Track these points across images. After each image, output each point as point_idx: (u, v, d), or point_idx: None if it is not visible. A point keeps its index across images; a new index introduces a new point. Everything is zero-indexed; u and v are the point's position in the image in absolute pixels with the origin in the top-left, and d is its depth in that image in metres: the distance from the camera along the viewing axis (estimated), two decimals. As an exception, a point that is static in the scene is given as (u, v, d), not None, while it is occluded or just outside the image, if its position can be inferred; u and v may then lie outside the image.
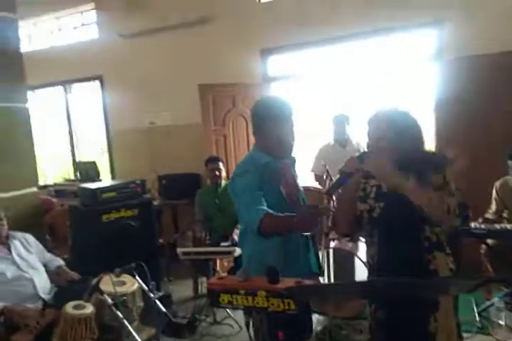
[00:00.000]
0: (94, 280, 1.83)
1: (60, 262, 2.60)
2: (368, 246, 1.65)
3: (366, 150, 1.61)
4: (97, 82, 5.44)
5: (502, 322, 2.76)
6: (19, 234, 2.54)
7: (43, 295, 2.38)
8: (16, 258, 2.40)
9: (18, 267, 2.38)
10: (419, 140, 1.54)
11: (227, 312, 3.10)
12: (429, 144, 3.91)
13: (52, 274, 2.53)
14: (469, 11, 3.58)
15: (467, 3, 3.59)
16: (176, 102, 4.83)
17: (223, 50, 4.52)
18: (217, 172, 3.61)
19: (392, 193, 1.52)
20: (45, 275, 2.49)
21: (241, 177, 1.77)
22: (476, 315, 2.87)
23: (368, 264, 1.67)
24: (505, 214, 3.15)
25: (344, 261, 3.04)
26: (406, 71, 4.33)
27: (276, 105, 1.79)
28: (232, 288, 1.62)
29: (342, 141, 3.83)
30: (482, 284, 1.28)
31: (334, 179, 1.63)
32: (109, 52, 5.10)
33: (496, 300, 2.83)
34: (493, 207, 3.19)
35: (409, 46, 4.03)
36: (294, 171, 1.97)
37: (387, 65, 4.15)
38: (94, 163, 4.38)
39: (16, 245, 2.46)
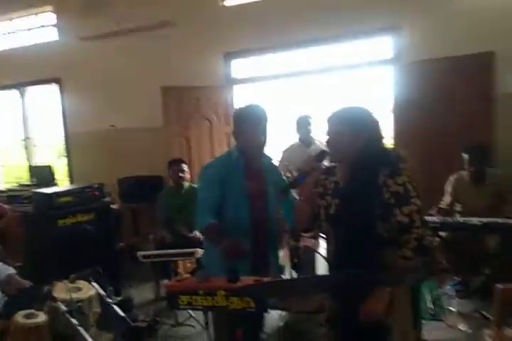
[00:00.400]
0: (47, 288, 1.77)
1: (11, 270, 2.48)
2: (326, 243, 1.68)
3: (326, 148, 1.63)
4: (55, 85, 5.25)
5: (453, 309, 2.89)
6: None
7: None
8: None
9: None
10: (376, 134, 1.57)
11: (189, 314, 3.07)
12: (388, 145, 4.07)
13: (2, 283, 2.41)
14: (425, 16, 3.72)
15: (422, 9, 3.73)
16: (137, 105, 4.75)
17: (186, 53, 4.49)
18: (181, 174, 3.59)
19: (347, 190, 1.55)
20: None
21: (207, 169, 2.06)
22: (430, 303, 3.00)
23: (327, 260, 1.70)
24: (458, 208, 3.30)
25: (307, 257, 3.09)
26: (365, 75, 4.46)
27: (252, 111, 2.02)
28: (191, 289, 1.61)
29: (306, 141, 3.88)
30: (430, 275, 1.33)
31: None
32: (68, 54, 4.96)
33: (448, 288, 2.97)
34: (447, 199, 3.31)
35: (368, 50, 4.13)
36: (273, 169, 2.15)
37: (348, 69, 4.25)
38: (49, 167, 4.22)
39: None
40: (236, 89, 4.60)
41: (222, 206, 1.99)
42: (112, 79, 4.81)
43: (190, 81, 4.36)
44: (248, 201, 1.98)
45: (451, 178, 3.32)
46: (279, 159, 3.93)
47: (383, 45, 4.05)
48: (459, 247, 3.10)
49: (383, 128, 1.59)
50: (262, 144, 2.02)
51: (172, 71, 4.49)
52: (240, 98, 4.61)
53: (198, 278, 1.62)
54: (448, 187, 3.32)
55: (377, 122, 1.57)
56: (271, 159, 2.18)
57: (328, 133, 1.60)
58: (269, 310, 1.71)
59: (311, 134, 3.88)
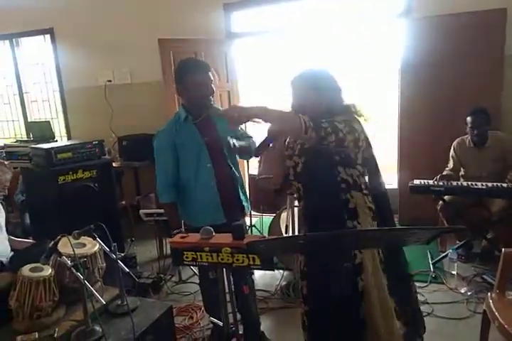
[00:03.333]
0: (52, 243, 1.76)
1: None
2: (298, 202, 1.75)
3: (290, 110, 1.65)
4: (48, 36, 5.00)
5: (454, 272, 2.94)
6: None
7: (0, 258, 2.32)
8: None
9: None
10: (338, 94, 1.64)
11: (193, 271, 3.13)
12: (393, 104, 3.97)
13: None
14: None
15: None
16: (135, 59, 4.58)
17: (184, 3, 4.26)
18: None
19: (312, 147, 1.58)
20: (5, 238, 2.44)
21: (156, 138, 2.09)
22: (431, 266, 3.05)
23: (301, 218, 1.74)
24: (462, 172, 3.28)
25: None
26: (374, 29, 4.24)
27: (195, 61, 2.02)
28: (195, 245, 1.61)
29: None
30: (439, 235, 1.31)
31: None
32: (60, 2, 4.67)
33: (449, 252, 3.00)
34: (450, 164, 3.31)
35: (377, 3, 3.91)
36: (218, 118, 2.10)
37: (355, 22, 4.04)
38: (48, 122, 4.11)
39: None
40: (237, 42, 4.39)
41: (182, 169, 2.07)
42: (107, 30, 4.60)
43: (189, 33, 4.16)
44: (209, 155, 2.04)
45: (455, 143, 3.31)
46: None
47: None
48: (462, 211, 3.11)
49: (344, 88, 1.65)
50: (211, 92, 1.99)
51: (170, 22, 4.30)
52: (241, 53, 4.42)
53: (203, 234, 1.61)
54: (452, 152, 3.31)
55: (337, 82, 1.64)
56: (218, 106, 2.15)
57: (294, 97, 1.63)
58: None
59: None
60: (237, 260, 1.54)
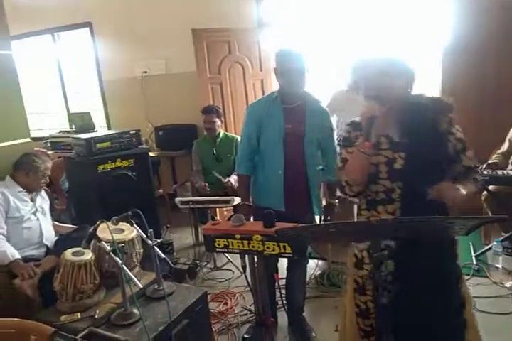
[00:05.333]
0: (92, 228, 1.82)
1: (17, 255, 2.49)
2: (378, 204, 1.51)
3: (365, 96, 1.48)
4: (87, 30, 5.15)
5: (499, 266, 2.81)
6: None
7: (46, 242, 2.45)
8: (37, 204, 2.49)
9: (34, 212, 2.44)
10: (413, 81, 1.48)
11: (227, 258, 3.17)
12: (434, 92, 3.78)
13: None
14: None
15: None
16: (169, 50, 4.63)
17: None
18: (209, 125, 3.54)
19: (413, 141, 1.43)
20: (49, 224, 2.56)
21: (247, 109, 2.18)
22: (474, 258, 2.92)
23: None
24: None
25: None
26: (416, 7, 4.01)
27: (286, 53, 2.00)
28: (227, 232, 1.62)
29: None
30: (479, 225, 1.24)
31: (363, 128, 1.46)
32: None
33: (494, 244, 2.86)
34: (505, 147, 3.12)
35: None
36: (318, 113, 2.09)
37: (394, 6, 3.86)
38: (88, 113, 4.23)
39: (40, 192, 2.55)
40: (268, 31, 4.31)
41: (259, 144, 2.09)
42: (142, 22, 4.67)
43: (222, 23, 4.15)
44: (283, 141, 2.02)
45: None
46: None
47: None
48: (508, 201, 2.94)
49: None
50: (297, 87, 2.00)
51: (203, 12, 4.30)
52: (274, 42, 4.35)
53: (235, 221, 1.62)
54: (510, 135, 3.09)
55: (410, 67, 1.47)
56: (319, 102, 2.11)
57: (369, 76, 1.44)
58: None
59: None
60: (268, 248, 1.54)
